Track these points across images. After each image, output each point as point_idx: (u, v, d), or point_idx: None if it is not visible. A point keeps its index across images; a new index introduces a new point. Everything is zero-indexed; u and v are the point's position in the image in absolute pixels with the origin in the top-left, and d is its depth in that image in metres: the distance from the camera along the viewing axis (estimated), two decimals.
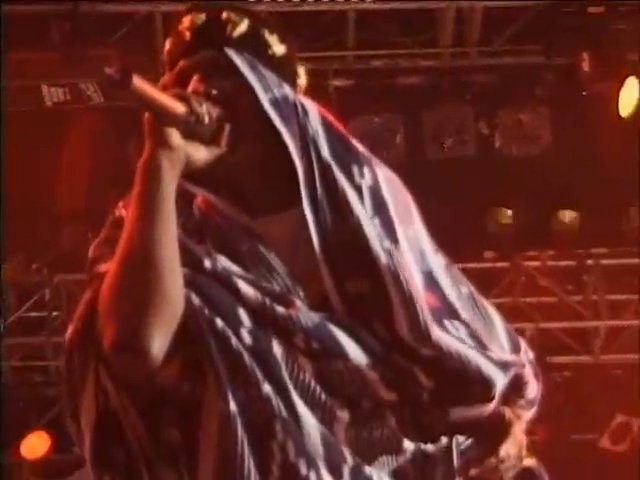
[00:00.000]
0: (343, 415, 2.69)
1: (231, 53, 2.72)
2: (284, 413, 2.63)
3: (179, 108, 2.57)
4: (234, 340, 2.66)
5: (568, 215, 8.76)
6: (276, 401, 2.63)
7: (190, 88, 2.68)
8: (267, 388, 2.64)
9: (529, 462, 2.90)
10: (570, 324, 9.36)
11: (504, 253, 9.13)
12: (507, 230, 8.87)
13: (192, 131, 2.62)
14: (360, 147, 2.76)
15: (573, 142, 7.99)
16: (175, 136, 2.59)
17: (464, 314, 2.78)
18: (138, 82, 2.47)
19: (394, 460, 2.76)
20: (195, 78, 2.72)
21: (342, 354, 2.67)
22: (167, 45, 2.82)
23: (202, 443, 2.65)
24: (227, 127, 2.70)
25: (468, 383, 2.72)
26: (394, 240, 2.75)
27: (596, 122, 7.74)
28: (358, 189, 2.75)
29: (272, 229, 2.76)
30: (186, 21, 2.78)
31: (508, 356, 2.83)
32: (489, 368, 2.72)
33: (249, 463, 2.65)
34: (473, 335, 2.76)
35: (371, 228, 2.72)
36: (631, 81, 7.40)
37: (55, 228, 8.08)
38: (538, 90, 7.96)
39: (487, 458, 2.79)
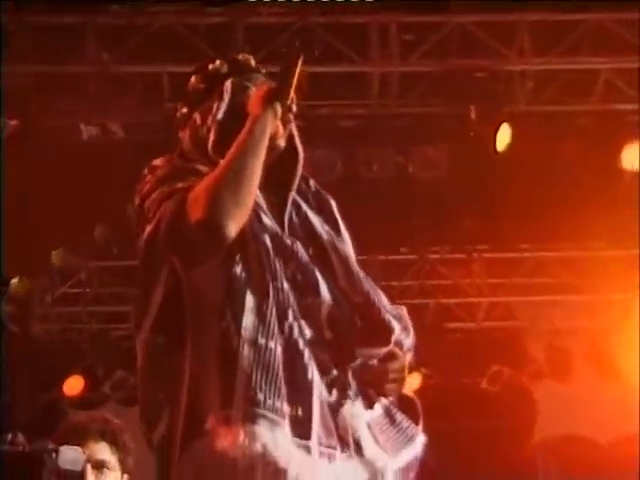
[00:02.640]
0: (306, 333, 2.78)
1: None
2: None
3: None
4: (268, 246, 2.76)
5: (460, 221, 8.55)
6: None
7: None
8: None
9: (409, 393, 2.96)
10: (461, 300, 9.43)
11: (414, 248, 9.06)
12: (416, 230, 8.63)
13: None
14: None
15: (464, 169, 7.83)
16: (279, 110, 2.79)
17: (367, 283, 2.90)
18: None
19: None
20: None
21: (316, 291, 2.80)
22: None
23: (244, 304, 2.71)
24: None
25: (379, 328, 2.84)
26: (335, 229, 2.92)
27: (480, 155, 7.63)
28: (305, 195, 2.95)
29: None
30: None
31: (400, 310, 2.94)
32: (391, 319, 2.85)
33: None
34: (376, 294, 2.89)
35: (316, 219, 2.90)
36: (505, 126, 7.41)
37: (88, 229, 7.93)
38: (439, 131, 7.79)
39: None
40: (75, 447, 3.31)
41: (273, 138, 2.82)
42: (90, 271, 8.56)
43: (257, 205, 2.78)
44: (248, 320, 2.72)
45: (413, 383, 8.49)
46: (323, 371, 2.79)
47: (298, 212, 2.92)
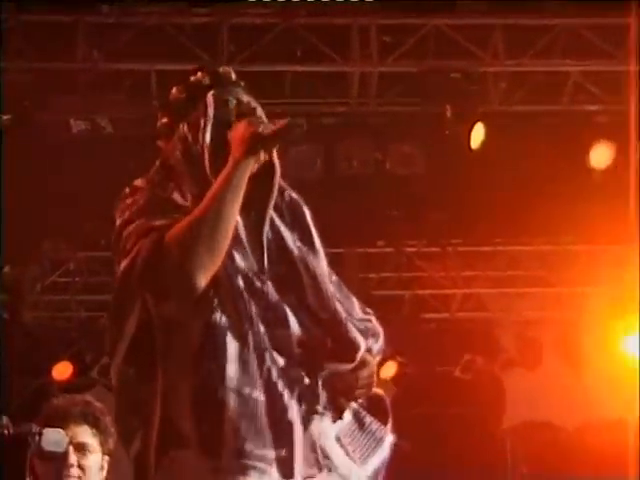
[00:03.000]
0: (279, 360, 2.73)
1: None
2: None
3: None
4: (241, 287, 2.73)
5: (436, 215, 8.48)
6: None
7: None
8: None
9: (378, 391, 2.91)
10: (435, 291, 9.40)
11: (391, 241, 9.01)
12: (393, 224, 8.54)
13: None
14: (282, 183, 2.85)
15: (439, 166, 7.79)
16: (262, 157, 2.72)
17: (337, 294, 2.86)
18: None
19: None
20: None
21: (286, 324, 2.75)
22: None
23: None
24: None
25: (345, 345, 2.79)
26: (308, 242, 2.86)
27: (455, 152, 7.63)
28: (279, 208, 2.86)
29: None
30: None
31: (367, 322, 2.89)
32: (357, 336, 2.81)
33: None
34: (344, 308, 2.84)
35: (288, 234, 2.82)
36: (479, 125, 7.45)
37: (78, 220, 7.84)
38: (416, 129, 7.75)
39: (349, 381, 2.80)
40: (58, 429, 3.28)
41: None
42: (79, 261, 8.53)
43: (233, 240, 2.73)
44: (231, 369, 2.68)
45: (389, 371, 8.58)
46: (294, 382, 2.75)
47: (272, 227, 2.85)
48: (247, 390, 2.67)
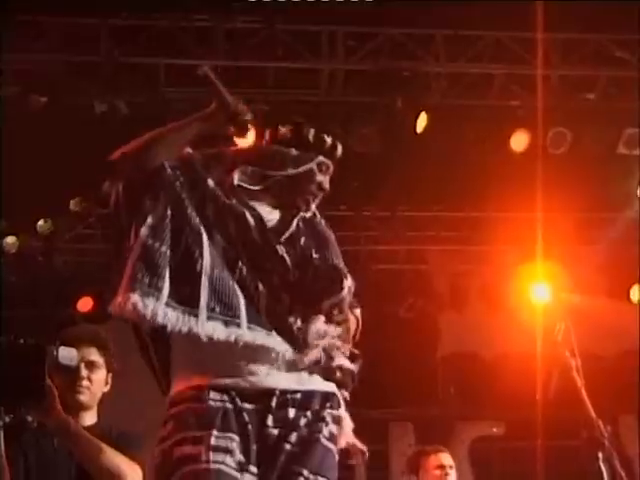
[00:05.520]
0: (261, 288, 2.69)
1: None
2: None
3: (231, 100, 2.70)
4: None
5: (388, 186, 8.38)
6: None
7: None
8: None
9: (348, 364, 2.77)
10: (386, 247, 9.37)
11: (351, 206, 8.71)
12: (353, 193, 8.21)
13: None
14: None
15: (391, 145, 7.64)
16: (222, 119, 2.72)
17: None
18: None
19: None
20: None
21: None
22: None
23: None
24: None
25: (335, 277, 2.78)
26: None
27: (404, 135, 7.55)
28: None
29: None
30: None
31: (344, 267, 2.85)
32: (343, 274, 2.81)
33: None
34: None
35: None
36: (423, 114, 7.41)
37: (98, 182, 7.16)
38: (373, 116, 7.61)
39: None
40: (71, 348, 3.27)
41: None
42: (99, 216, 8.40)
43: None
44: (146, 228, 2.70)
45: None
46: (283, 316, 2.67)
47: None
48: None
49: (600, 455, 3.66)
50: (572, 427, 3.94)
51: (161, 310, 2.63)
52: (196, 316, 2.64)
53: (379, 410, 9.08)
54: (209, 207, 2.76)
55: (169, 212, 2.72)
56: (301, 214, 2.85)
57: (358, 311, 2.89)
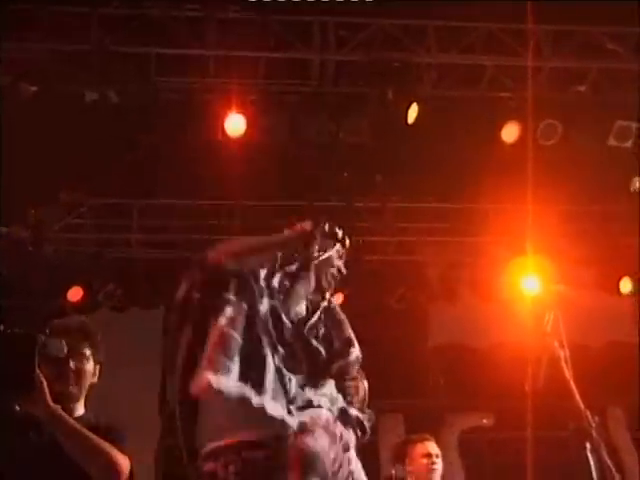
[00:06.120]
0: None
1: None
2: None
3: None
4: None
5: (378, 177, 8.51)
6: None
7: None
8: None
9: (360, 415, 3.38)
10: (377, 238, 9.27)
11: (342, 197, 8.73)
12: (344, 184, 8.37)
13: None
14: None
15: (382, 136, 7.61)
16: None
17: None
18: None
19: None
20: None
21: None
22: None
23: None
24: None
25: (346, 346, 3.32)
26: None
27: (394, 126, 7.47)
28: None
29: None
30: None
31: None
32: (351, 342, 3.37)
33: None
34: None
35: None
36: (414, 105, 7.41)
37: (89, 172, 7.68)
38: (364, 107, 7.61)
39: None
40: (59, 339, 3.31)
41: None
42: (90, 206, 8.49)
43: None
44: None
45: (337, 300, 8.46)
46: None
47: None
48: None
49: (588, 445, 3.70)
50: (561, 418, 4.00)
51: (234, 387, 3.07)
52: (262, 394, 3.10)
53: (369, 401, 9.06)
54: (264, 303, 3.25)
55: (245, 306, 3.18)
56: (322, 305, 3.31)
57: (366, 382, 3.49)
